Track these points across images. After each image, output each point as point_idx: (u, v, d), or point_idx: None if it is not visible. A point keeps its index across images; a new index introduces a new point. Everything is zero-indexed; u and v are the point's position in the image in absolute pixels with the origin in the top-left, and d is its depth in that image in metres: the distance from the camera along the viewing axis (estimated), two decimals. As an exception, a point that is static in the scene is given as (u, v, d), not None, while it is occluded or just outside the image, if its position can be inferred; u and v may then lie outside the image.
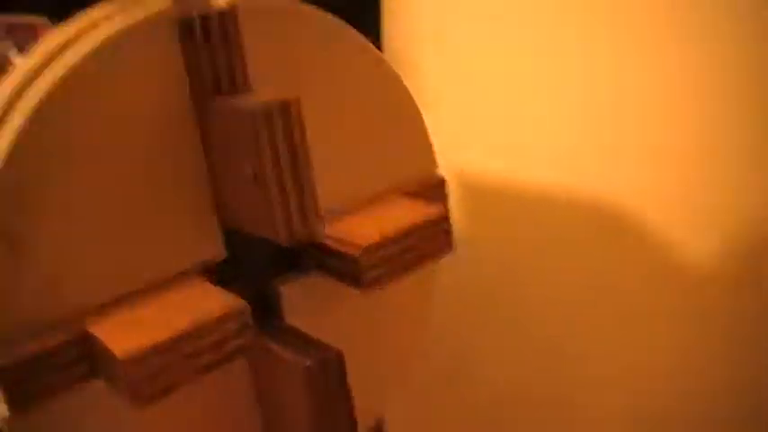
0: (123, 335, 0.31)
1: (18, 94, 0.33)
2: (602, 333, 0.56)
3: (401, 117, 0.42)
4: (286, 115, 0.32)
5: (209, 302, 0.33)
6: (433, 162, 0.44)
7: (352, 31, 0.40)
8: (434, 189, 0.44)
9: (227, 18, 0.34)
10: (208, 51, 0.34)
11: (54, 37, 0.35)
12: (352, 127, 0.40)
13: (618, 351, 0.56)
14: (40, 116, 0.31)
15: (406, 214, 0.39)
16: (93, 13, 0.36)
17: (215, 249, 0.36)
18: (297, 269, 0.40)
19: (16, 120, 0.31)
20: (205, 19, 0.33)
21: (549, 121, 0.54)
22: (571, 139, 0.53)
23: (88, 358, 0.32)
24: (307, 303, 0.39)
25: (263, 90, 0.35)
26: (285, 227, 0.33)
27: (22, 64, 0.35)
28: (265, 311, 0.39)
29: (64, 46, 0.34)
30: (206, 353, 0.31)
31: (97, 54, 0.32)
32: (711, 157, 0.49)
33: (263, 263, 0.40)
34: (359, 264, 0.36)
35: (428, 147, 0.44)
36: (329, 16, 0.39)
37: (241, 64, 0.35)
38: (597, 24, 0.51)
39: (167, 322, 0.31)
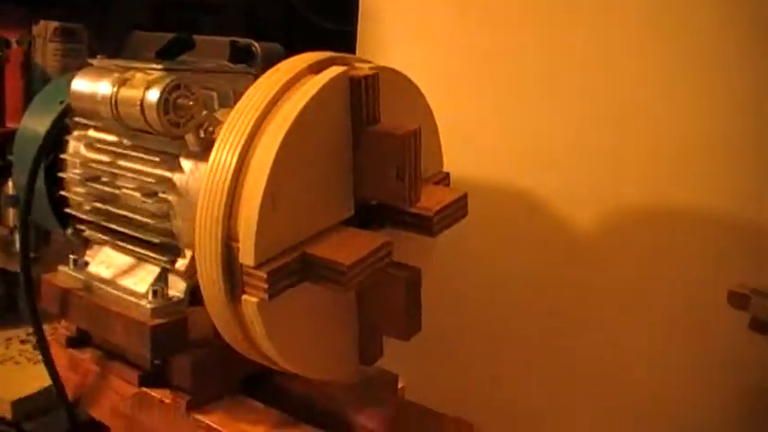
0: (336, 254, 0.57)
1: (257, 125, 0.58)
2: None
3: (431, 132, 0.71)
4: (417, 137, 0.60)
5: (370, 238, 0.59)
6: (441, 161, 0.73)
7: (413, 83, 0.68)
8: (444, 179, 0.73)
9: (376, 78, 0.61)
10: (366, 96, 0.60)
11: (265, 86, 0.60)
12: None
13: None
14: (286, 141, 0.56)
15: (446, 194, 0.67)
16: (290, 70, 0.61)
17: (351, 210, 0.63)
18: (374, 224, 0.67)
19: (272, 141, 0.56)
20: (367, 78, 0.60)
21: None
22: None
23: (303, 270, 0.58)
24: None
25: (391, 122, 0.62)
26: (409, 199, 0.61)
27: (247, 102, 0.59)
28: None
29: (280, 93, 0.59)
30: (375, 264, 0.58)
31: (313, 100, 0.58)
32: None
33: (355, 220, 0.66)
34: (432, 221, 0.64)
35: (440, 151, 0.73)
36: (405, 77, 0.67)
37: (378, 105, 0.62)
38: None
39: (356, 248, 0.58)
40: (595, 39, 0.80)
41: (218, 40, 1.28)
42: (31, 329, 0.85)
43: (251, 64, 1.25)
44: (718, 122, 0.76)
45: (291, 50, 1.37)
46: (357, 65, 0.63)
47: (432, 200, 0.66)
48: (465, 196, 0.68)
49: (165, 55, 1.08)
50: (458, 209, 0.68)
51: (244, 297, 0.57)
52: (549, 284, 0.84)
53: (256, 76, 0.79)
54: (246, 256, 0.56)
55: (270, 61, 1.31)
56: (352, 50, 1.00)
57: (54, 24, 0.93)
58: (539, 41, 0.84)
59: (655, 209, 0.78)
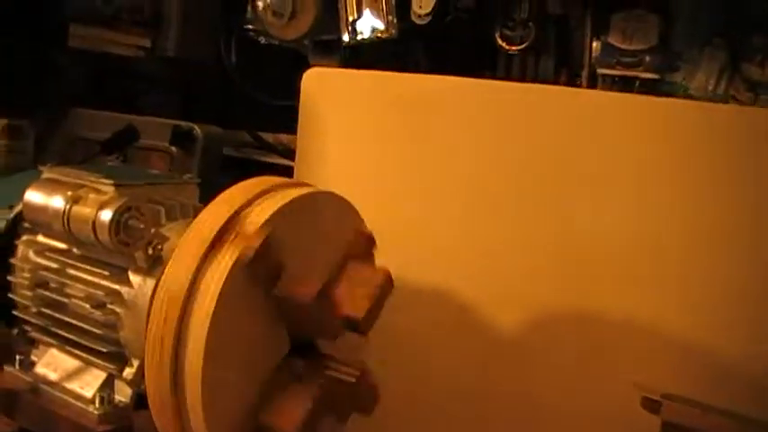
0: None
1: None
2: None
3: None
4: (321, 297, 0.64)
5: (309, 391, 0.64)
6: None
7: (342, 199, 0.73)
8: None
9: (267, 244, 0.62)
10: (263, 267, 0.63)
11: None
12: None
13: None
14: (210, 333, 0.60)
15: (369, 286, 0.68)
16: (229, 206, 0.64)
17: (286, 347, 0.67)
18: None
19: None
20: (256, 254, 0.62)
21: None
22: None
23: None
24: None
25: (296, 279, 0.64)
26: (334, 335, 0.65)
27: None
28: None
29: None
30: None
31: (224, 288, 0.60)
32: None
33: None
34: (360, 324, 0.67)
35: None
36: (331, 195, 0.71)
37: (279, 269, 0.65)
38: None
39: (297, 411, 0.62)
40: (522, 156, 0.86)
41: (160, 122, 1.31)
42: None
43: (191, 147, 1.29)
44: (645, 228, 0.82)
45: (229, 126, 1.41)
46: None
47: (356, 300, 0.67)
48: (389, 281, 0.69)
49: (110, 146, 1.12)
50: (383, 294, 0.68)
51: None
52: (472, 388, 0.88)
53: (199, 185, 0.84)
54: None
55: (209, 143, 1.35)
56: (294, 124, 1.04)
57: (3, 122, 0.95)
58: (470, 156, 0.89)
59: (578, 313, 0.84)
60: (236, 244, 0.62)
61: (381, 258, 0.76)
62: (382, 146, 0.93)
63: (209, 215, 0.64)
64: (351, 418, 0.70)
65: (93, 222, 0.69)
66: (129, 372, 0.72)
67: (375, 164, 0.94)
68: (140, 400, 0.74)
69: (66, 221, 0.71)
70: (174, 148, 1.27)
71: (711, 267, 0.79)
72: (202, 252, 0.62)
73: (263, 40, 1.23)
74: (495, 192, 0.88)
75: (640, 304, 0.81)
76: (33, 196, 0.75)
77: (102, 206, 0.69)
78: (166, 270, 0.62)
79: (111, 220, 0.68)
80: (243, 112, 1.42)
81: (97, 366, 0.76)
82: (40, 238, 0.80)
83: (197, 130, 1.26)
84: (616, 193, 0.82)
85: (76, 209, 0.71)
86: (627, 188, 0.82)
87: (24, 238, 0.81)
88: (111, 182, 0.73)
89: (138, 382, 0.72)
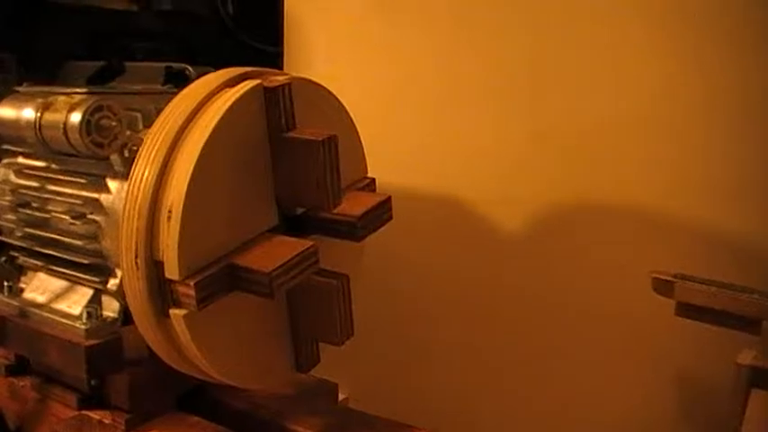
0: (259, 262, 0.58)
1: (175, 141, 0.59)
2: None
3: (352, 139, 0.72)
4: (333, 143, 0.61)
5: (295, 244, 0.61)
6: (365, 168, 0.75)
7: (330, 93, 0.69)
8: (369, 184, 0.74)
9: (289, 86, 0.62)
10: (282, 105, 0.62)
11: (181, 103, 0.61)
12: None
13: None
14: (204, 153, 0.57)
15: (369, 199, 0.69)
16: (205, 86, 0.62)
17: (274, 219, 0.64)
18: (302, 233, 0.68)
19: (190, 155, 0.57)
20: (281, 87, 0.62)
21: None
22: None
23: (230, 280, 0.59)
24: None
25: (309, 130, 0.63)
26: (330, 204, 0.62)
27: (164, 118, 0.60)
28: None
29: (196, 108, 0.60)
30: (301, 269, 0.60)
31: (228, 112, 0.59)
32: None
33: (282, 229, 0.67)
34: (356, 226, 0.66)
35: (363, 157, 0.74)
36: (321, 86, 0.68)
37: (294, 113, 0.63)
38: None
39: (280, 255, 0.59)
40: (518, 47, 0.83)
41: (153, 66, 1.29)
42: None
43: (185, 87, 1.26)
44: (638, 108, 0.79)
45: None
46: (272, 77, 0.65)
47: (355, 205, 0.67)
48: (389, 200, 0.70)
49: (96, 81, 1.09)
50: (382, 212, 0.69)
51: (172, 311, 0.58)
52: (473, 282, 0.86)
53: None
54: (171, 270, 0.56)
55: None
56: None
57: (-16, 53, 0.94)
58: (461, 50, 0.86)
59: (570, 207, 0.81)
60: (247, 83, 0.61)
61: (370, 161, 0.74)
62: (370, 43, 0.90)
63: (173, 108, 0.62)
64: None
65: (64, 125, 0.66)
66: (113, 283, 0.71)
67: (364, 63, 0.91)
68: (129, 316, 0.72)
69: (38, 130, 0.69)
70: (167, 90, 1.25)
71: (710, 144, 0.75)
72: (169, 143, 0.59)
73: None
74: (486, 84, 0.85)
75: (639, 188, 0.78)
76: (5, 111, 0.73)
77: (72, 108, 0.66)
78: (134, 167, 0.60)
79: (82, 120, 0.65)
80: (240, 64, 1.39)
81: (84, 283, 0.73)
82: (20, 159, 0.78)
83: (190, 70, 1.23)
84: (606, 74, 0.79)
85: (47, 115, 0.68)
86: (617, 67, 0.79)
87: (5, 161, 0.79)
88: (84, 90, 0.71)
89: (123, 292, 0.70)
